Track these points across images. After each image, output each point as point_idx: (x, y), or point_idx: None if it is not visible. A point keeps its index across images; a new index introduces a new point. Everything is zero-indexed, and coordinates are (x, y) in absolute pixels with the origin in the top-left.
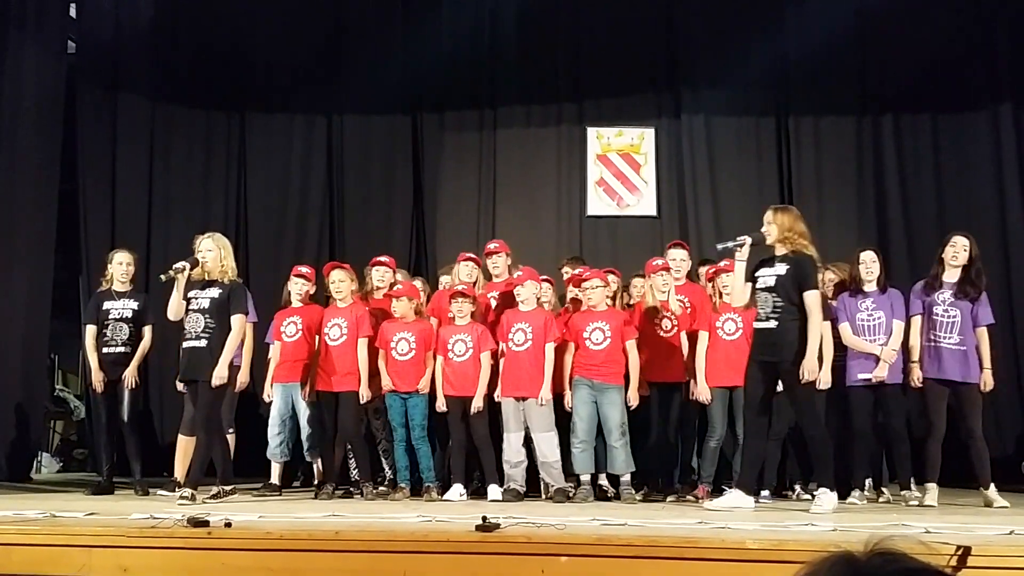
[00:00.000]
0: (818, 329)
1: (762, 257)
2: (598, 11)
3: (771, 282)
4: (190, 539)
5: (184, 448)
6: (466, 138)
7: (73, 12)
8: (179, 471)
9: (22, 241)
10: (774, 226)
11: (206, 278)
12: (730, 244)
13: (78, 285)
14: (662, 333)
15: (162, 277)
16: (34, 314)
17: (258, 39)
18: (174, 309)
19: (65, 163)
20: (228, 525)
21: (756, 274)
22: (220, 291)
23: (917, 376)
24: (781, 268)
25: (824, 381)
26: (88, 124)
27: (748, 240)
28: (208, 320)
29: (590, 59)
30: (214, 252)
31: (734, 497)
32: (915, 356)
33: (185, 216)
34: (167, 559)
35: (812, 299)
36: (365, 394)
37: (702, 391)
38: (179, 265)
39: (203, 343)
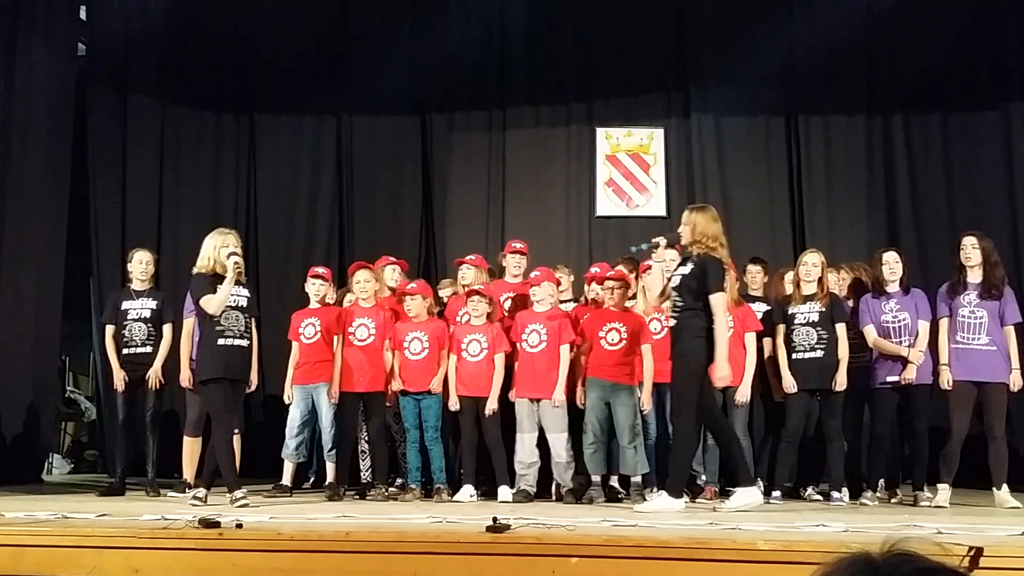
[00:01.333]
0: (724, 333)
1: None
2: (607, 11)
3: (677, 281)
4: (201, 540)
5: (191, 449)
6: (475, 138)
7: (83, 14)
8: (187, 472)
9: (33, 242)
10: (687, 227)
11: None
12: (644, 246)
13: (89, 286)
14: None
15: (239, 269)
16: (45, 315)
17: (267, 40)
18: (223, 303)
19: (76, 165)
20: (239, 526)
21: (673, 273)
22: (248, 291)
23: (947, 379)
24: (687, 268)
25: (840, 383)
26: (98, 126)
27: (663, 241)
28: (247, 320)
29: (599, 59)
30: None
31: (741, 495)
32: (944, 359)
33: (195, 216)
34: (178, 560)
35: (716, 301)
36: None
37: None
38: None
39: (246, 343)
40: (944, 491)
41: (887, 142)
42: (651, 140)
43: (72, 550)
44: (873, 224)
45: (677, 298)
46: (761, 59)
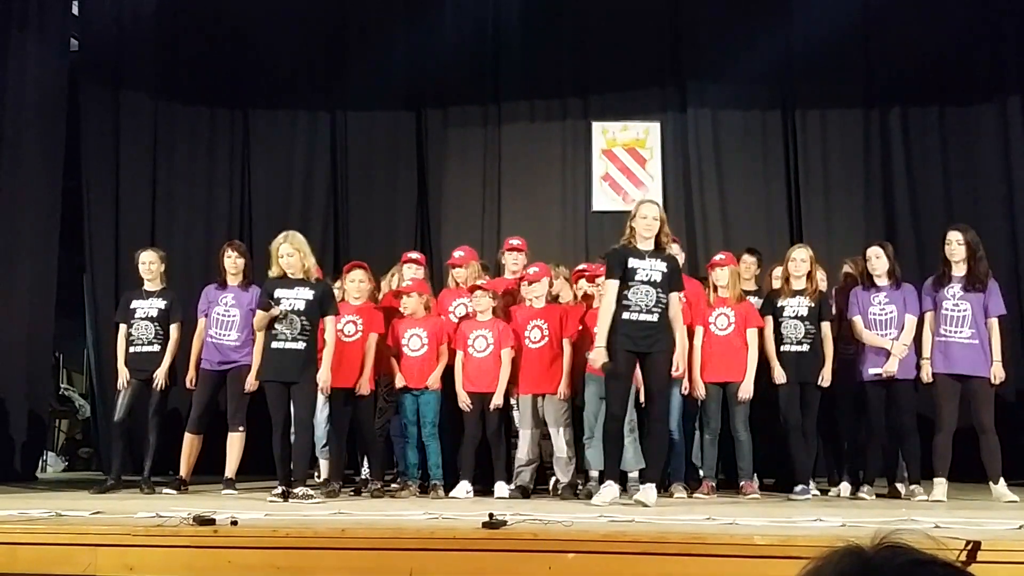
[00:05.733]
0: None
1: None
2: (603, 5)
3: (659, 277)
4: (196, 537)
5: (190, 446)
6: (470, 134)
7: (75, 10)
8: (184, 470)
9: (26, 239)
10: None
11: (290, 277)
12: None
13: (82, 283)
14: None
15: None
16: (38, 312)
17: (261, 36)
18: (261, 325)
19: (68, 161)
20: (234, 523)
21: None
22: (312, 291)
23: (927, 372)
24: (664, 264)
25: (825, 378)
26: (91, 122)
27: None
28: (304, 322)
29: (595, 53)
30: (294, 256)
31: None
32: (926, 353)
33: (189, 213)
34: (173, 558)
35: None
36: (365, 387)
37: (697, 387)
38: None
39: (300, 345)
40: (941, 485)
41: (884, 136)
42: (647, 135)
43: (67, 548)
44: (870, 218)
45: (661, 293)
46: (758, 53)
